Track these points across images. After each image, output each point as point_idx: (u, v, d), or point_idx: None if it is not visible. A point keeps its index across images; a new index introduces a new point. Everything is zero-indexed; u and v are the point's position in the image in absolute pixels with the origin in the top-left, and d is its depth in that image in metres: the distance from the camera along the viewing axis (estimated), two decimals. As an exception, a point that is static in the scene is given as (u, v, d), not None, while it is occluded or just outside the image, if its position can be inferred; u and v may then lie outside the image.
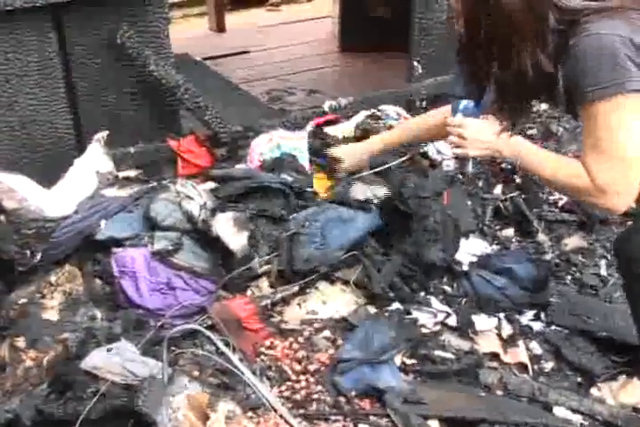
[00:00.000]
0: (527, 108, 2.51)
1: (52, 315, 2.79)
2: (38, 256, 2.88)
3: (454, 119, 2.57)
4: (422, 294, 2.98)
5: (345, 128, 3.78)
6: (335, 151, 3.38)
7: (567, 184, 2.37)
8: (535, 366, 2.74)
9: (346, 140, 3.67)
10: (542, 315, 2.95)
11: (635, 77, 2.14)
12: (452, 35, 4.18)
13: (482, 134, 2.51)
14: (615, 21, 2.18)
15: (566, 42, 2.22)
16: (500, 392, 2.60)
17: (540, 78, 2.27)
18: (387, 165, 3.39)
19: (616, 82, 2.14)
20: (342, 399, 2.52)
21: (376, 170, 3.38)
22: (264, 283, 2.93)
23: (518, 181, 3.64)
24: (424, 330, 2.83)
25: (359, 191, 3.14)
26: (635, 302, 2.51)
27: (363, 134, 3.66)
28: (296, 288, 2.90)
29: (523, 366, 2.72)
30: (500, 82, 2.33)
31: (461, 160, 2.75)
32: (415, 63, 4.28)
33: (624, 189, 2.25)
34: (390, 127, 3.67)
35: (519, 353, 2.77)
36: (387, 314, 2.85)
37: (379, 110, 3.91)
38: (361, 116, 3.86)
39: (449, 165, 3.68)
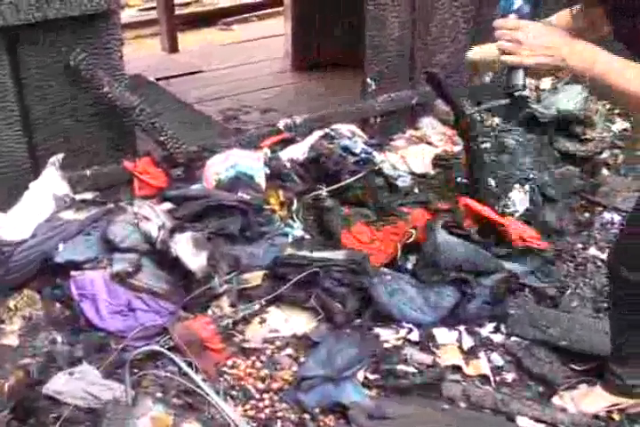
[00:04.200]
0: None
1: (11, 340, 2.77)
2: (-4, 281, 2.86)
3: (507, 20, 1.99)
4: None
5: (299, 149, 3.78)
6: None
7: None
8: (497, 378, 2.76)
9: None
10: (502, 327, 2.97)
11: None
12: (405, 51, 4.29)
13: (544, 39, 1.96)
14: None
15: None
16: (463, 404, 2.61)
17: None
18: (342, 183, 3.42)
19: None
20: (307, 417, 2.52)
21: (330, 188, 3.40)
22: (225, 302, 2.93)
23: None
24: (386, 345, 2.84)
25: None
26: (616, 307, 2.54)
27: (316, 157, 3.66)
28: (257, 306, 2.91)
29: (485, 378, 2.75)
30: None
31: (510, 70, 2.03)
32: (369, 80, 4.30)
33: None
34: None
35: (481, 365, 2.79)
36: (348, 330, 2.86)
37: (332, 130, 3.92)
38: (315, 136, 3.86)
39: (405, 180, 3.72)
